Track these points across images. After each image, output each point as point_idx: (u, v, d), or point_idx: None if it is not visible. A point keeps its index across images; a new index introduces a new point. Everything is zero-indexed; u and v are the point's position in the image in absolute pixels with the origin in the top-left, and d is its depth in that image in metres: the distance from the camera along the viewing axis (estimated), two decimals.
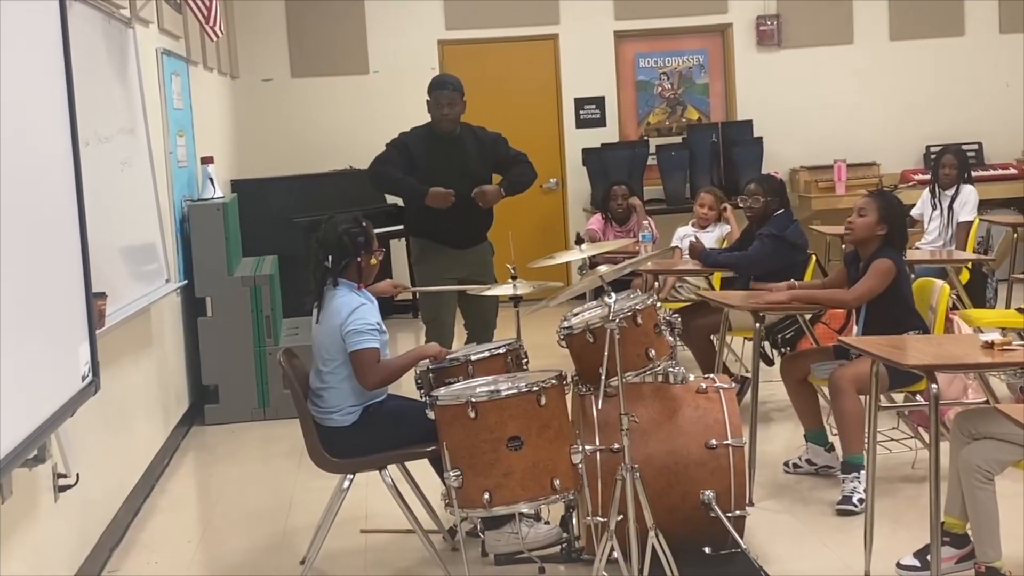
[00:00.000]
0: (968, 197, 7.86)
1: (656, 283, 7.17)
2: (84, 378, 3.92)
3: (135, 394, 5.74)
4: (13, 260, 3.33)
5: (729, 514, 4.30)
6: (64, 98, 3.92)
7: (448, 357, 4.68)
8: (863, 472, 4.86)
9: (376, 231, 4.67)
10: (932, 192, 8.05)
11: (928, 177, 8.37)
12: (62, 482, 4.20)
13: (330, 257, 4.50)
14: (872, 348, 4.14)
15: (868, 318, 5.05)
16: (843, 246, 7.53)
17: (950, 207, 7.88)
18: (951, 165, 7.95)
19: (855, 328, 5.23)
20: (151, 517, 5.48)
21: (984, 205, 9.53)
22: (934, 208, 8.01)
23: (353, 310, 4.41)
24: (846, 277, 5.19)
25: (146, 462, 5.85)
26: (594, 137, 10.72)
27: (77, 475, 4.23)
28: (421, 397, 4.57)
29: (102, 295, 4.54)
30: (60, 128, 3.88)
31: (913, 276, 5.82)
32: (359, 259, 4.51)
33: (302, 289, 7.53)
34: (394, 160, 6.17)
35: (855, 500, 4.85)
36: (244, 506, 5.61)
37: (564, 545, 4.49)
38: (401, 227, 6.81)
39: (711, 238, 7.40)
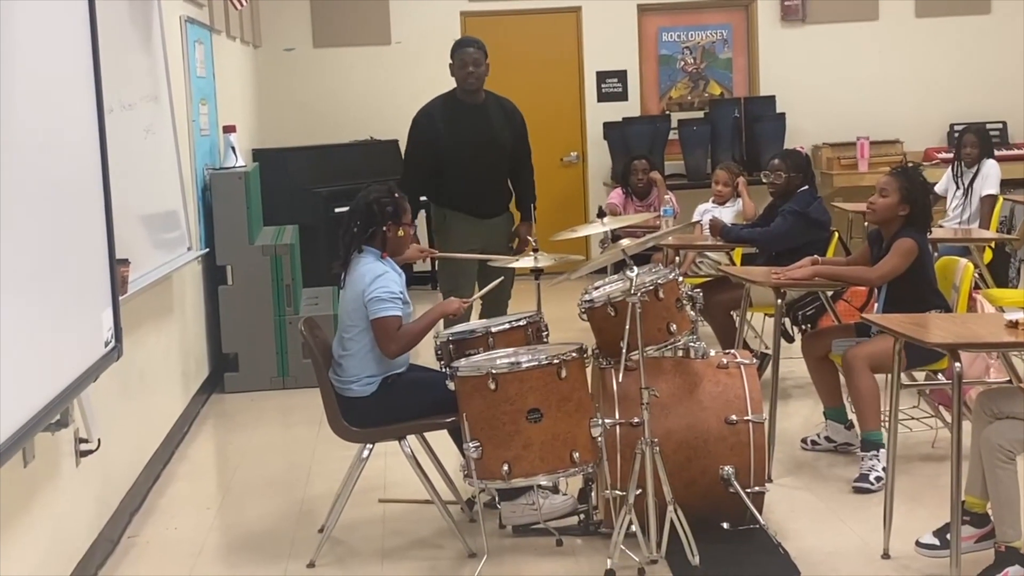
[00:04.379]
0: (990, 171, 7.84)
1: (677, 258, 7.15)
2: (107, 344, 3.94)
3: (156, 361, 5.76)
4: (39, 224, 3.35)
5: (748, 490, 4.30)
6: (90, 64, 3.91)
7: (468, 329, 4.69)
8: (882, 450, 4.85)
9: None
10: (954, 171, 8.03)
11: (951, 156, 8.35)
12: (83, 447, 4.22)
13: (357, 224, 4.50)
14: (895, 326, 4.12)
15: (889, 297, 5.02)
16: (865, 223, 7.51)
17: (970, 185, 7.86)
18: (972, 144, 7.94)
19: (876, 306, 5.21)
20: (171, 483, 5.51)
21: (1008, 184, 9.49)
22: (957, 188, 7.99)
23: (376, 277, 4.41)
24: (869, 255, 5.16)
25: (166, 429, 5.88)
26: (615, 111, 10.68)
27: (99, 440, 4.26)
28: (441, 368, 4.57)
29: (125, 261, 4.55)
30: (85, 94, 3.88)
31: (936, 255, 5.79)
32: (385, 228, 4.50)
33: (322, 259, 7.57)
34: (421, 171, 6.11)
35: (872, 478, 4.85)
36: (263, 474, 5.64)
37: (582, 518, 4.50)
38: (422, 197, 6.79)
39: (730, 214, 7.38)
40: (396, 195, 4.56)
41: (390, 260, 4.54)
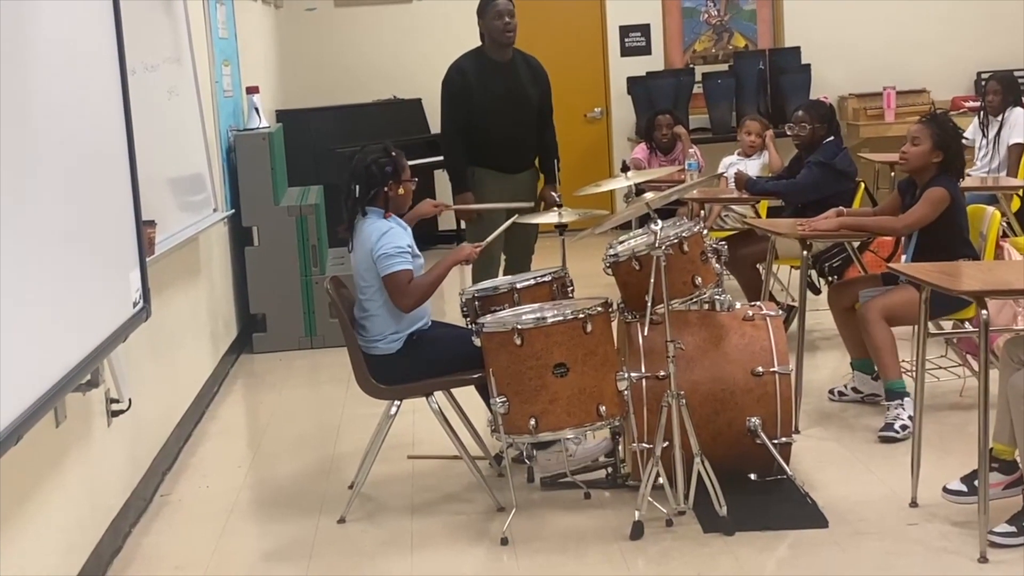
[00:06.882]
0: (1016, 120, 7.77)
1: (702, 212, 7.12)
2: (135, 304, 3.97)
3: (184, 322, 5.81)
4: (65, 187, 3.37)
5: (775, 441, 4.30)
6: (112, 26, 3.92)
7: (493, 285, 4.69)
8: (907, 399, 4.85)
9: (418, 161, 4.65)
10: (981, 120, 7.98)
11: (978, 104, 8.30)
12: (115, 407, 4.27)
13: (358, 187, 4.50)
14: (922, 274, 4.11)
15: (919, 246, 4.98)
16: (892, 174, 7.45)
17: (997, 134, 7.80)
18: (995, 92, 7.88)
19: (903, 256, 5.19)
20: (202, 442, 5.56)
21: None
22: (983, 136, 7.94)
23: (382, 235, 4.41)
24: (899, 204, 5.12)
25: (196, 389, 5.93)
26: (639, 65, 10.63)
27: (129, 400, 4.30)
28: (467, 324, 4.59)
29: (151, 223, 4.58)
30: (108, 56, 3.90)
31: None
32: (387, 189, 4.50)
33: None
34: (460, 133, 6.09)
35: (897, 427, 4.84)
36: (293, 432, 5.68)
37: (610, 471, 4.52)
38: (444, 157, 6.78)
39: (755, 167, 7.33)
40: (393, 153, 4.55)
41: (394, 216, 4.53)
